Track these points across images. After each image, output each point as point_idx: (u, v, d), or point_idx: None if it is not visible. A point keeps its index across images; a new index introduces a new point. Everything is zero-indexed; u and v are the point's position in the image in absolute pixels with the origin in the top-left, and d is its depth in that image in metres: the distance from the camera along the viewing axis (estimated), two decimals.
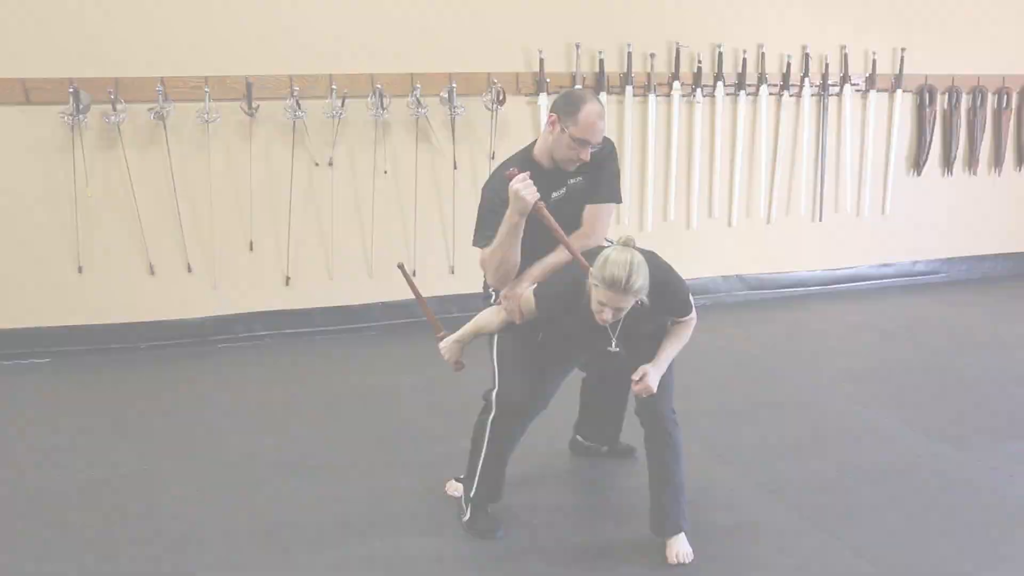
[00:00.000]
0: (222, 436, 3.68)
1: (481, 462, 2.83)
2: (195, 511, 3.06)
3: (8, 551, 2.80)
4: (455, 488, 3.08)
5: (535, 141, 2.85)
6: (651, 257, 2.57)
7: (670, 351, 2.71)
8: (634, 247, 2.48)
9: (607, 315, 2.47)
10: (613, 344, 2.69)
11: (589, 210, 2.81)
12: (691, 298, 2.73)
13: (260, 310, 5.04)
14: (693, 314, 2.75)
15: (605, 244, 2.78)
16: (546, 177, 2.73)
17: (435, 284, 5.25)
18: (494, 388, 2.79)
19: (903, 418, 3.86)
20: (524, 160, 2.78)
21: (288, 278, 5.03)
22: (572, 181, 2.79)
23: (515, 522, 2.94)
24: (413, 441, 3.63)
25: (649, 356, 2.69)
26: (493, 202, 2.72)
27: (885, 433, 3.71)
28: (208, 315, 4.97)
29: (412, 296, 3.05)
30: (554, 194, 2.74)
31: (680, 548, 2.73)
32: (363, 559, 2.75)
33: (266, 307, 5.04)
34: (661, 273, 2.57)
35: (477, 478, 2.85)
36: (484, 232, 2.75)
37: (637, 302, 2.50)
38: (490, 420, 2.78)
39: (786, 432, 3.72)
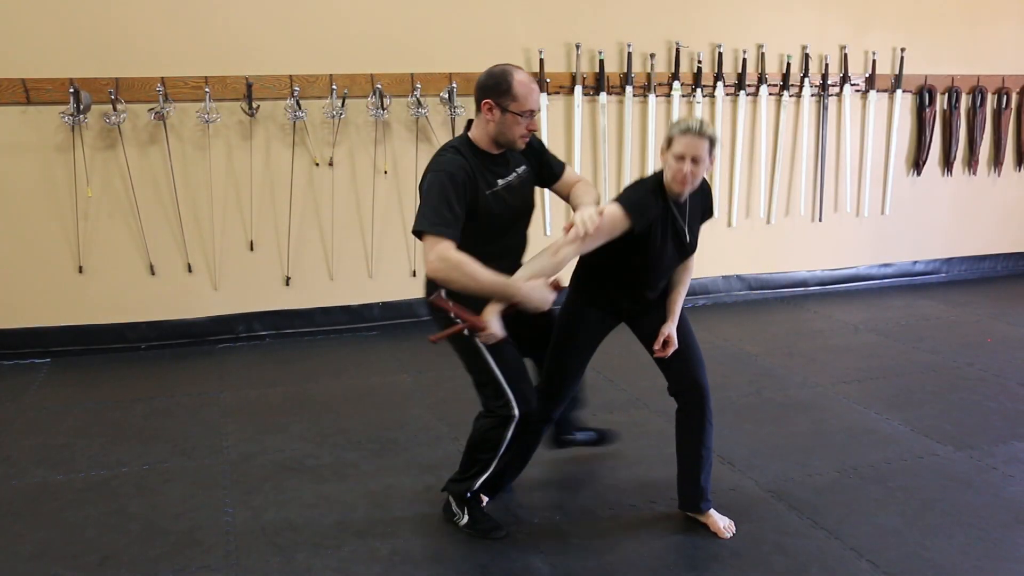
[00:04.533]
0: (222, 436, 3.68)
1: (492, 468, 2.79)
2: (195, 511, 3.06)
3: (8, 551, 2.81)
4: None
5: (465, 133, 2.72)
6: None
7: (678, 300, 2.78)
8: None
9: (686, 167, 2.51)
10: (687, 233, 2.69)
11: (567, 172, 2.91)
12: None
13: (260, 310, 5.05)
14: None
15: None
16: (494, 164, 2.69)
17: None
18: (504, 400, 2.69)
19: (903, 418, 3.86)
20: (471, 149, 2.66)
21: (288, 278, 5.03)
22: (519, 169, 2.77)
23: (510, 517, 2.95)
24: (413, 441, 3.63)
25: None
26: (447, 186, 2.55)
27: (885, 433, 3.71)
28: (208, 315, 4.97)
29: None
30: (500, 181, 2.69)
31: (724, 521, 2.88)
32: (363, 559, 2.75)
33: (266, 307, 5.05)
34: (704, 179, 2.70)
35: (483, 479, 2.82)
36: (440, 216, 2.53)
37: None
38: (510, 432, 2.71)
39: (786, 432, 3.72)
